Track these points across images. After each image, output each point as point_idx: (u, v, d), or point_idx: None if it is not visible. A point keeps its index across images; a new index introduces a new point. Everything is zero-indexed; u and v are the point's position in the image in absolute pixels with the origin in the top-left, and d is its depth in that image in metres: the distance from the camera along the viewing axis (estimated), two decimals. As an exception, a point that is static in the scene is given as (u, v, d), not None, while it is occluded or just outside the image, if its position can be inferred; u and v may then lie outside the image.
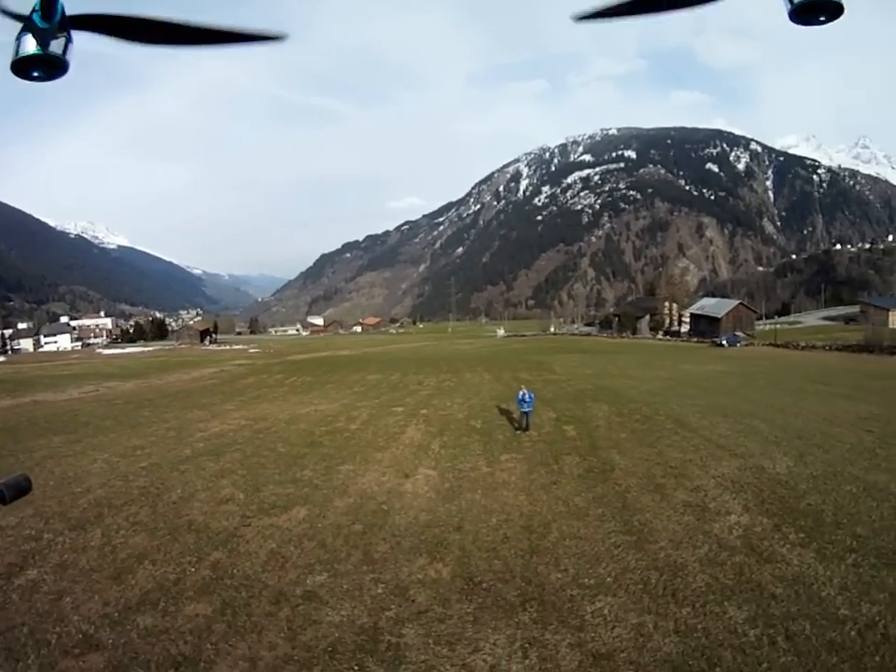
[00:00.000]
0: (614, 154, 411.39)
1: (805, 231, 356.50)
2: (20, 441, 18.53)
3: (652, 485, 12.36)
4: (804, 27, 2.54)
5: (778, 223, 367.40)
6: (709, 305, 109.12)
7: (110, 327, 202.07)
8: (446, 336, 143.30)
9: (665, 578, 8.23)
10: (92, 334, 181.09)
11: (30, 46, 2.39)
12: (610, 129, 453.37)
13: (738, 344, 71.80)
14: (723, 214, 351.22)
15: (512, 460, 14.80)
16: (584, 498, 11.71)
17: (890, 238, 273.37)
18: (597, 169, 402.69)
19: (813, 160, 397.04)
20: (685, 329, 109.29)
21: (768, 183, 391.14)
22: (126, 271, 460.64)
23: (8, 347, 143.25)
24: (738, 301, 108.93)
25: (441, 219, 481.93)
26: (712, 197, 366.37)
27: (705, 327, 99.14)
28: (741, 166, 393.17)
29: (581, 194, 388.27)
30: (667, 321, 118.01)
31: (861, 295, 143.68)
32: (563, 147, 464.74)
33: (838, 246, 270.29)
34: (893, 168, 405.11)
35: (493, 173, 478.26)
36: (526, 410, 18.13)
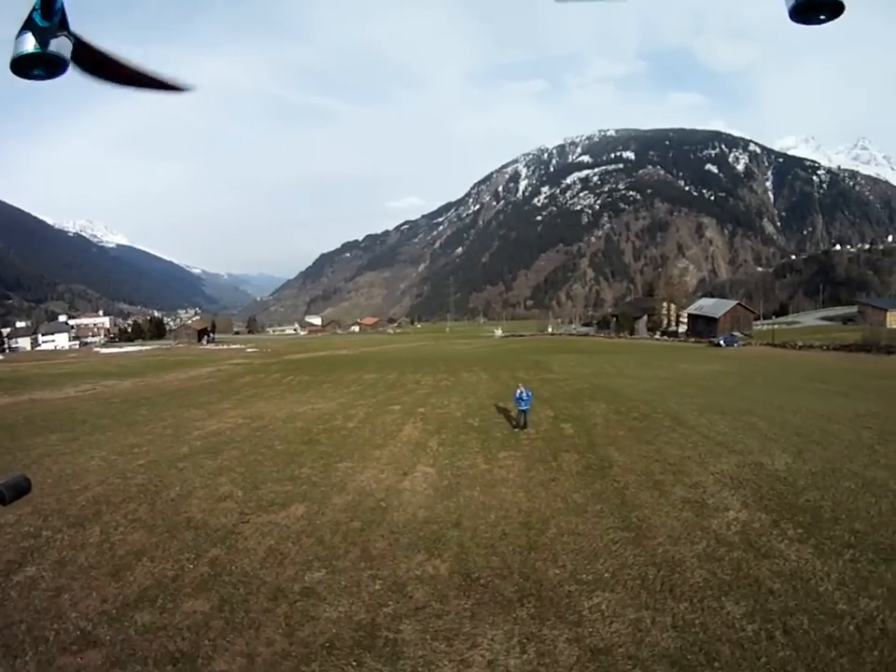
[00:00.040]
0: (613, 155, 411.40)
1: (805, 232, 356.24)
2: (17, 438, 18.49)
3: (651, 482, 12.37)
4: (804, 26, 2.53)
5: (778, 224, 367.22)
6: (707, 306, 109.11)
7: (108, 326, 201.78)
8: (444, 336, 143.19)
9: (663, 573, 8.24)
10: (90, 333, 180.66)
11: (29, 44, 2.38)
12: (608, 130, 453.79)
13: (736, 344, 71.85)
14: (723, 214, 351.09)
15: (510, 458, 14.82)
16: (583, 495, 11.73)
17: (890, 239, 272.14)
18: (596, 170, 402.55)
19: (812, 161, 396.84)
20: (683, 329, 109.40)
21: (768, 184, 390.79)
22: (125, 270, 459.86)
23: (6, 346, 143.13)
24: (736, 302, 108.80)
25: (440, 219, 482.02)
26: (712, 198, 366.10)
27: (702, 327, 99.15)
28: (740, 167, 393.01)
29: (581, 195, 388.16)
30: (665, 321, 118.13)
31: (860, 296, 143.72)
32: (561, 148, 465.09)
33: (837, 247, 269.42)
34: (893, 169, 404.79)
35: (492, 173, 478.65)
36: (524, 408, 18.15)
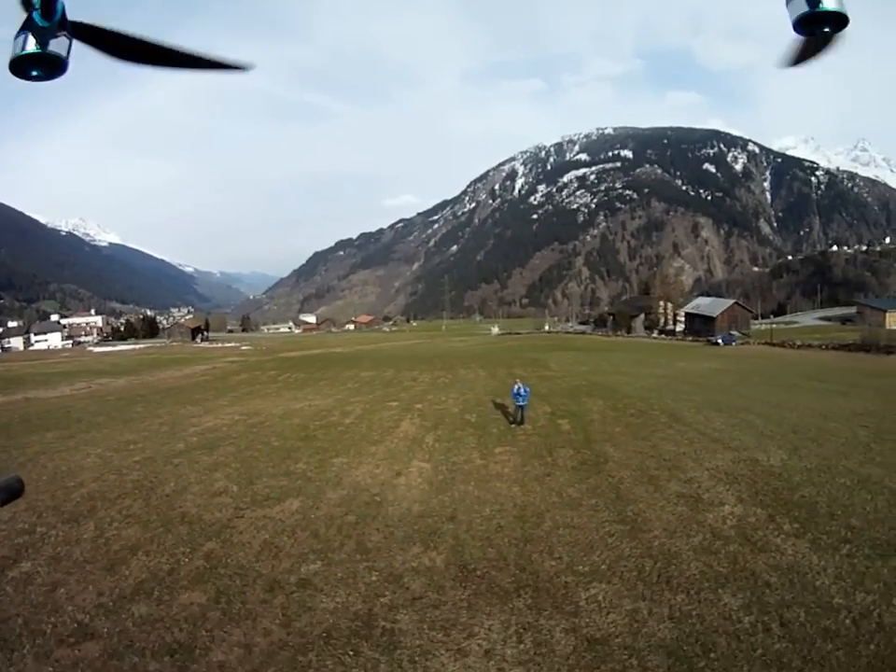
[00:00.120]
0: (610, 153, 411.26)
1: (802, 233, 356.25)
2: (12, 437, 18.37)
3: (646, 477, 12.41)
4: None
5: (775, 224, 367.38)
6: (704, 304, 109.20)
7: (101, 325, 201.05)
8: (440, 334, 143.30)
9: (659, 565, 8.28)
10: (83, 332, 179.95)
11: (29, 44, 2.36)
12: (606, 128, 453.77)
13: (734, 343, 71.92)
14: (720, 214, 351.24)
15: (506, 453, 14.85)
16: (578, 489, 11.76)
17: (888, 240, 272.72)
18: (593, 168, 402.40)
19: (811, 161, 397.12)
20: (680, 328, 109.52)
21: (765, 184, 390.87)
22: (117, 268, 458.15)
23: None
24: (734, 301, 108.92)
25: (435, 217, 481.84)
26: (709, 197, 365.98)
27: (700, 326, 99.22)
28: (738, 167, 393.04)
29: (577, 193, 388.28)
30: (662, 320, 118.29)
31: (858, 296, 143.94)
32: (559, 147, 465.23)
33: (835, 248, 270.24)
34: (892, 171, 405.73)
35: (488, 171, 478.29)
36: (521, 404, 18.19)
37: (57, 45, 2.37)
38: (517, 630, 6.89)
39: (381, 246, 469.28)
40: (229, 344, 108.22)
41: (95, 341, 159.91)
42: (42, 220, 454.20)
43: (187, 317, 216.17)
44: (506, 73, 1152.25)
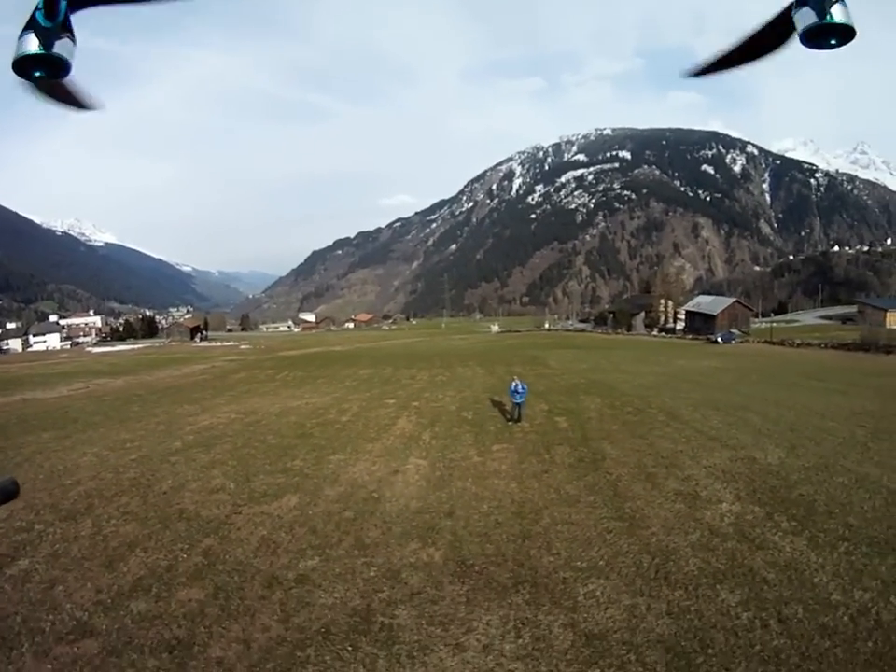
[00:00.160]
0: (608, 154, 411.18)
1: (802, 234, 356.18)
2: (9, 437, 18.31)
3: (644, 474, 12.42)
4: (816, 50, 2.53)
5: (775, 225, 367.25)
6: (705, 303, 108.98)
7: (99, 325, 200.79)
8: (440, 332, 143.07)
9: (657, 561, 8.30)
10: (82, 333, 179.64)
11: (32, 45, 2.35)
12: (605, 129, 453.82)
13: (733, 341, 71.76)
14: (719, 215, 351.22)
15: (504, 450, 14.85)
16: (575, 486, 11.77)
17: (889, 241, 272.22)
18: (591, 169, 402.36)
19: (811, 163, 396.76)
20: (680, 326, 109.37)
21: (765, 186, 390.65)
22: (114, 268, 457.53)
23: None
24: (734, 299, 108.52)
25: (433, 217, 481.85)
26: (708, 198, 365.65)
27: (700, 324, 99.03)
28: (737, 168, 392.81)
29: (575, 193, 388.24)
30: (662, 318, 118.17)
31: (859, 296, 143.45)
32: (557, 147, 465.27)
33: (836, 248, 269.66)
34: (892, 174, 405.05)
35: (486, 171, 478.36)
36: (519, 401, 18.17)
37: (60, 46, 2.36)
38: (516, 625, 6.91)
39: (379, 245, 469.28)
40: (227, 344, 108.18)
41: (94, 341, 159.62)
42: (37, 221, 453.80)
43: (185, 317, 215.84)
44: (505, 72, 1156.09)
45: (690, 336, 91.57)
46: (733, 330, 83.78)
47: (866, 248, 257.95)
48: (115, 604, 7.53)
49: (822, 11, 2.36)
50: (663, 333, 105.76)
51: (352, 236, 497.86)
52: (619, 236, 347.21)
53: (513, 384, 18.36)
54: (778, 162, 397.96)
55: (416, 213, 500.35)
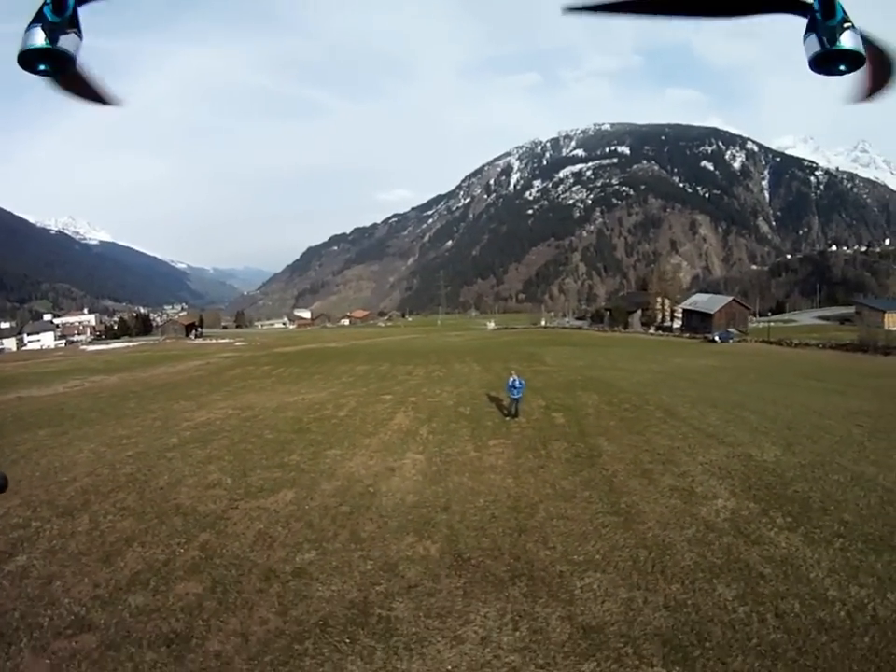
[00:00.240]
0: (607, 149, 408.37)
1: (801, 232, 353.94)
2: (4, 435, 18.25)
3: (640, 470, 12.47)
4: (826, 76, 2.53)
5: (773, 223, 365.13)
6: (702, 301, 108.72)
7: (94, 323, 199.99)
8: (435, 329, 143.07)
9: (653, 556, 8.34)
10: (76, 331, 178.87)
11: (38, 39, 2.35)
12: (603, 124, 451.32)
13: (731, 340, 71.76)
14: (717, 212, 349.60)
15: (500, 445, 14.90)
16: (572, 482, 11.82)
17: (888, 242, 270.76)
18: (590, 164, 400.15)
19: (810, 161, 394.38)
20: (677, 324, 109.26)
21: (764, 183, 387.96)
22: (109, 266, 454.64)
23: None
24: (731, 298, 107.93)
25: (429, 212, 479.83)
26: (706, 195, 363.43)
27: (697, 322, 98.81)
28: (737, 165, 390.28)
29: (573, 189, 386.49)
30: (660, 316, 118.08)
31: (857, 296, 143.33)
32: (555, 142, 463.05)
33: (834, 248, 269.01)
34: (892, 173, 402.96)
35: (483, 166, 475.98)
36: (516, 396, 18.22)
37: (67, 41, 2.37)
38: (513, 618, 6.95)
39: (375, 241, 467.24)
40: (223, 341, 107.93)
41: (88, 339, 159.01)
42: (31, 220, 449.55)
43: (180, 314, 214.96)
44: (502, 67, 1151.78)
45: (687, 334, 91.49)
46: (730, 329, 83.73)
47: (864, 248, 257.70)
48: (113, 598, 7.54)
49: (833, 37, 2.37)
50: (660, 331, 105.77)
51: (348, 232, 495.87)
52: (616, 232, 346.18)
53: (511, 379, 18.40)
54: (778, 160, 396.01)
55: (413, 208, 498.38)
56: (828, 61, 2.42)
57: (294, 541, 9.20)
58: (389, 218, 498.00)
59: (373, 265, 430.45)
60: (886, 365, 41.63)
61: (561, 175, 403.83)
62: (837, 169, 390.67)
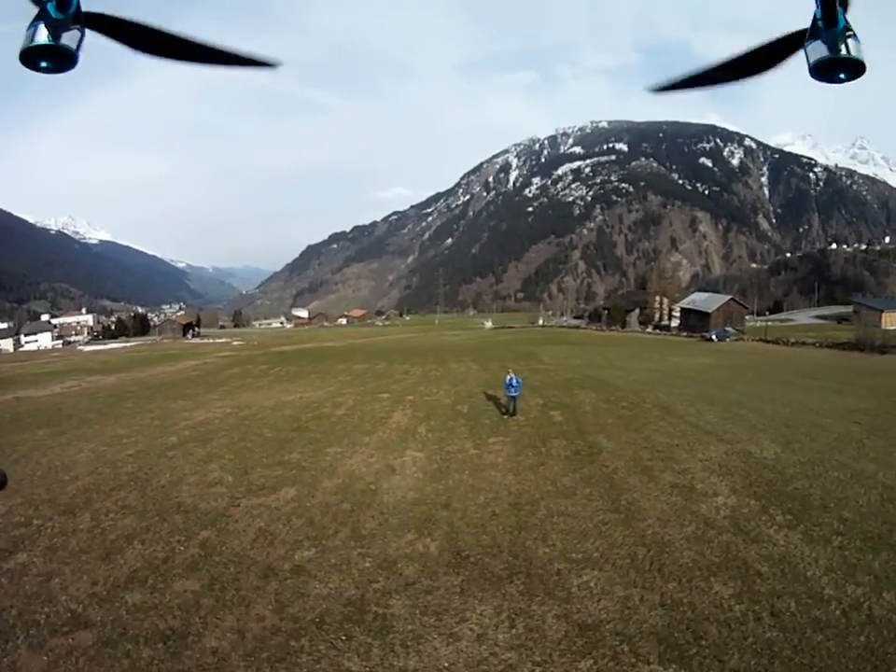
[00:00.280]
0: (605, 147, 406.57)
1: (801, 230, 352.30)
2: (3, 435, 18.18)
3: (639, 467, 12.50)
4: (827, 84, 2.55)
5: (773, 220, 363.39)
6: (700, 300, 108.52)
7: (91, 323, 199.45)
8: (433, 328, 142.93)
9: (651, 554, 8.37)
10: (74, 332, 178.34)
11: (41, 36, 2.36)
12: (601, 122, 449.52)
13: (728, 339, 71.70)
14: (717, 209, 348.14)
15: (500, 443, 14.93)
16: (571, 479, 11.85)
17: (887, 240, 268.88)
18: (588, 161, 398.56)
19: (809, 158, 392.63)
20: (675, 323, 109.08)
21: (763, 180, 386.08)
22: (108, 266, 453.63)
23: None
24: (729, 297, 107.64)
25: (429, 210, 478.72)
26: (706, 192, 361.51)
27: (695, 321, 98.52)
28: (735, 162, 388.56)
29: (573, 186, 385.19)
30: (657, 315, 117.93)
31: (856, 295, 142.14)
32: (553, 139, 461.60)
33: (833, 246, 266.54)
34: (891, 170, 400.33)
35: (482, 163, 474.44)
36: (514, 395, 18.22)
37: (69, 38, 2.37)
38: (509, 615, 6.97)
39: (374, 239, 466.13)
40: (220, 340, 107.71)
41: (86, 340, 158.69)
42: (31, 220, 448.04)
43: (178, 314, 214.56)
44: (499, 65, 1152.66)
45: (684, 333, 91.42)
46: (728, 328, 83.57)
47: (864, 247, 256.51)
48: (110, 596, 7.56)
49: (834, 45, 2.39)
50: (657, 330, 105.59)
51: (347, 230, 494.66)
52: (616, 230, 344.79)
53: (508, 377, 18.41)
54: (777, 156, 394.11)
55: (412, 206, 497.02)
56: (829, 69, 2.44)
57: (294, 539, 9.23)
58: (389, 216, 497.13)
59: (373, 263, 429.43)
60: (882, 364, 41.61)
61: (560, 172, 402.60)
62: (836, 166, 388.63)
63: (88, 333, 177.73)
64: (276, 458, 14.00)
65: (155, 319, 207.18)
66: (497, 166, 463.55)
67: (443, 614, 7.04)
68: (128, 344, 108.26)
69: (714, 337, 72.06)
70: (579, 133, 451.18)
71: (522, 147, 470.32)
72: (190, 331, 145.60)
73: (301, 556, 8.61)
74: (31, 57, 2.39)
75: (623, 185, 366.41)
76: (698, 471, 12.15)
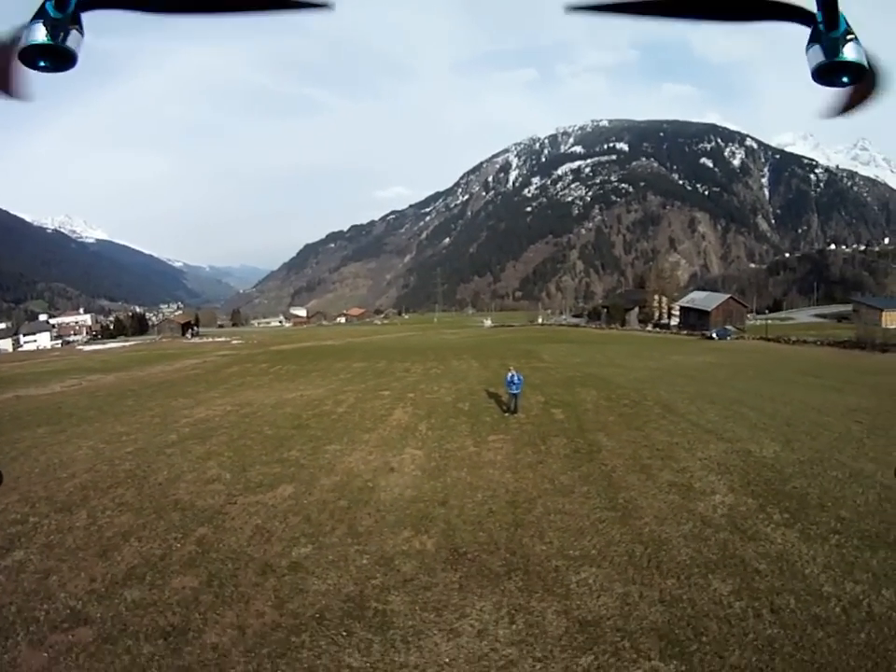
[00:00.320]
0: (606, 146, 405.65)
1: (800, 230, 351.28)
2: (3, 433, 18.19)
3: (638, 466, 12.50)
4: (829, 88, 2.54)
5: (773, 221, 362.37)
6: (699, 298, 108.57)
7: (90, 323, 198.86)
8: (432, 326, 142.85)
9: (649, 551, 8.37)
10: (72, 331, 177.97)
11: (40, 34, 2.35)
12: (602, 121, 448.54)
13: (729, 338, 71.69)
14: (717, 209, 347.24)
15: (499, 441, 14.92)
16: (570, 477, 11.85)
17: (886, 241, 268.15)
18: (588, 161, 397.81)
19: (810, 159, 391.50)
20: (675, 322, 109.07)
21: (763, 180, 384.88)
22: (105, 265, 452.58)
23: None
24: (729, 296, 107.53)
25: (427, 209, 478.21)
26: (706, 192, 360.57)
27: (694, 320, 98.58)
28: (736, 162, 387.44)
29: (572, 186, 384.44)
30: (657, 314, 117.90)
31: (855, 295, 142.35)
32: (553, 139, 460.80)
33: (833, 246, 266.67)
34: (893, 171, 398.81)
35: (482, 163, 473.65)
36: (515, 392, 18.21)
37: (68, 38, 2.36)
38: (509, 611, 6.97)
39: (372, 239, 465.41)
40: (219, 339, 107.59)
41: (84, 339, 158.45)
42: (27, 219, 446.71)
43: (176, 313, 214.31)
44: (498, 63, 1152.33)
45: (684, 332, 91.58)
46: (728, 327, 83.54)
47: (863, 247, 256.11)
48: (109, 592, 7.56)
49: (835, 49, 2.38)
50: (657, 329, 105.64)
51: (345, 229, 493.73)
52: (615, 230, 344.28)
53: (509, 374, 18.41)
54: (778, 157, 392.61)
55: (410, 206, 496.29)
56: (830, 72, 2.43)
57: (291, 536, 9.23)
58: (387, 216, 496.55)
59: (370, 263, 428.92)
60: (883, 362, 41.61)
61: (560, 171, 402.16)
62: (837, 167, 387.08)
63: (86, 333, 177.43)
64: (275, 456, 14.00)
65: (153, 319, 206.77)
66: (497, 166, 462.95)
67: (443, 610, 7.04)
68: (127, 344, 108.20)
69: (714, 335, 72.09)
70: (579, 132, 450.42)
71: (522, 146, 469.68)
72: (189, 331, 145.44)
73: (299, 553, 8.61)
74: (29, 56, 2.38)
75: (623, 185, 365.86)
76: (697, 470, 12.15)
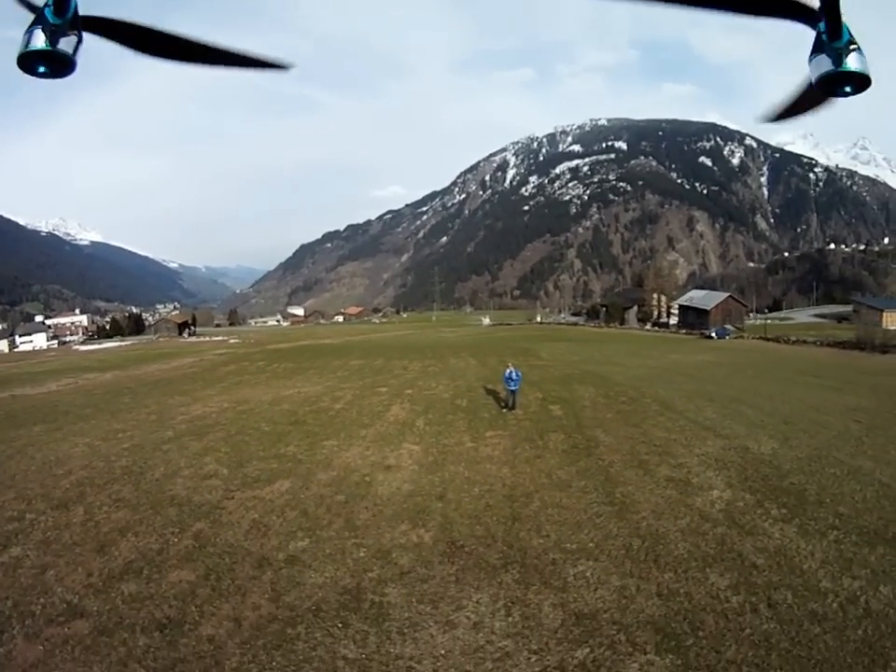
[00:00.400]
0: (604, 145, 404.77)
1: (799, 230, 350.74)
2: (-1, 431, 18.27)
3: (636, 461, 12.51)
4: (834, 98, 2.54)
5: (772, 220, 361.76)
6: (698, 297, 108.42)
7: (86, 324, 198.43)
8: (430, 325, 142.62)
9: (647, 545, 8.39)
10: (68, 332, 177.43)
11: (39, 41, 2.33)
12: (600, 119, 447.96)
13: (727, 337, 71.70)
14: (715, 208, 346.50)
15: (497, 436, 14.91)
16: (567, 472, 11.86)
17: (886, 241, 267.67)
18: (587, 160, 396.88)
19: (810, 158, 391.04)
20: (674, 320, 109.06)
21: (763, 179, 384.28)
22: (100, 267, 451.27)
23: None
24: (728, 294, 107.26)
25: (424, 209, 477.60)
26: (704, 191, 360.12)
27: (693, 319, 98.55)
28: (735, 161, 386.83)
29: (570, 185, 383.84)
30: (656, 312, 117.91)
31: (855, 295, 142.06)
32: (551, 137, 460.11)
33: (832, 246, 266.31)
34: (892, 171, 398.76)
35: (479, 162, 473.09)
36: (513, 388, 18.19)
37: (67, 43, 2.35)
38: (505, 604, 6.98)
39: (369, 238, 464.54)
40: (216, 338, 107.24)
41: (81, 339, 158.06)
42: (21, 222, 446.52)
43: (173, 313, 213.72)
44: (496, 62, 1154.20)
45: (683, 331, 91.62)
46: (727, 326, 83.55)
47: (863, 247, 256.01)
48: (106, 586, 7.56)
49: (838, 59, 2.38)
50: (655, 328, 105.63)
51: (341, 229, 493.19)
52: (612, 229, 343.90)
53: (507, 371, 18.39)
54: (777, 156, 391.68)
55: (407, 205, 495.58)
56: (834, 82, 2.43)
57: (288, 530, 9.24)
58: (383, 215, 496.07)
59: (367, 262, 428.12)
60: (883, 363, 41.61)
61: (557, 170, 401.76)
62: (837, 166, 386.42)
63: (83, 333, 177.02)
64: (272, 451, 13.99)
65: (150, 319, 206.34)
66: (495, 165, 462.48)
67: (439, 602, 7.06)
68: (124, 343, 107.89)
69: (713, 334, 72.01)
70: (578, 131, 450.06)
71: (520, 145, 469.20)
72: (186, 330, 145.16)
73: (296, 547, 8.62)
74: (29, 62, 2.37)
75: (621, 184, 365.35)
76: (694, 466, 12.16)
